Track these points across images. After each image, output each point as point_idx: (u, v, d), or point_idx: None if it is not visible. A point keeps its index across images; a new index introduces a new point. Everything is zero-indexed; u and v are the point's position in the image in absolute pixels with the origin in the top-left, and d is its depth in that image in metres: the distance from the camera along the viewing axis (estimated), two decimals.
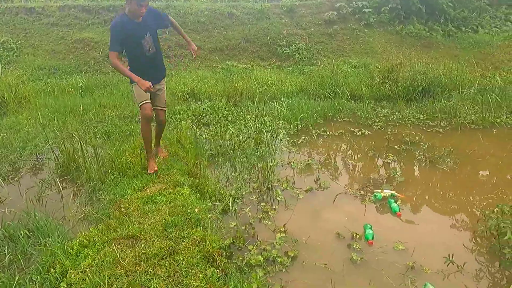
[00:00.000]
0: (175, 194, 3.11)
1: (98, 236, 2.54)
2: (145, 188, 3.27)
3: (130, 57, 3.31)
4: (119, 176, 3.52)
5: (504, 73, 7.52)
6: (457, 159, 4.26)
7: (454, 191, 3.63)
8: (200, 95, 6.54)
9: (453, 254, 2.47)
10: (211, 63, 8.40)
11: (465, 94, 6.07)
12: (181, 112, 5.66)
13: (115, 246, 2.38)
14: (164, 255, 2.32)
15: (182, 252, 2.38)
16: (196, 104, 6.08)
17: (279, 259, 2.51)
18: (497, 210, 2.69)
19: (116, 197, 3.12)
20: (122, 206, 2.91)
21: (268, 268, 2.45)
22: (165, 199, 3.01)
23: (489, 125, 5.44)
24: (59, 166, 3.84)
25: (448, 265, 2.45)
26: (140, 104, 3.28)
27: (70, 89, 6.74)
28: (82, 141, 3.89)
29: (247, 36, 9.18)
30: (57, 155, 3.89)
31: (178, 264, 2.26)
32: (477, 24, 10.39)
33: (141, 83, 3.03)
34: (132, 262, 2.24)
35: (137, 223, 2.64)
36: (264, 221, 3.01)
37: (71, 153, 3.76)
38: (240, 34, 9.24)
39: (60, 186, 3.46)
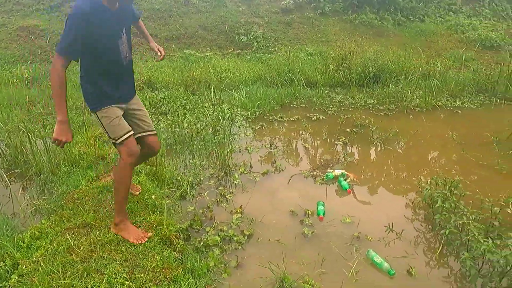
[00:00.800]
0: (131, 182, 3.10)
1: (50, 227, 2.49)
2: (100, 178, 3.23)
3: (98, 68, 2.15)
4: (72, 167, 3.43)
5: (446, 60, 8.11)
6: (402, 139, 4.60)
7: (398, 168, 3.93)
8: (157, 85, 6.43)
9: (392, 223, 2.72)
10: (168, 51, 8.23)
11: (410, 80, 6.49)
12: None
13: (68, 235, 2.35)
14: (121, 240, 2.34)
15: None
16: (153, 94, 5.98)
17: (235, 238, 2.62)
18: (431, 182, 2.98)
19: (69, 189, 3.05)
20: (75, 196, 2.85)
21: (225, 246, 2.56)
22: None
23: (431, 107, 5.89)
24: (5, 160, 3.66)
25: (388, 233, 2.69)
26: (122, 139, 2.19)
27: (15, 80, 6.33)
28: (30, 133, 3.72)
29: (205, 24, 9.09)
30: (2, 149, 3.70)
31: (135, 248, 2.29)
32: (424, 13, 11.04)
33: (61, 132, 1.99)
34: (87, 249, 2.24)
35: (91, 212, 2.62)
36: (221, 204, 3.10)
37: (18, 146, 3.59)
38: (197, 22, 9.12)
39: (8, 181, 3.30)
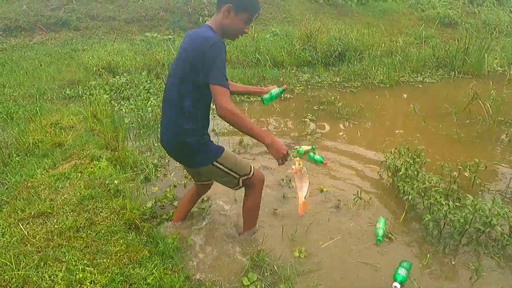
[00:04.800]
0: (91, 168, 2.95)
1: (2, 219, 2.31)
2: (57, 166, 3.04)
3: (203, 103, 1.92)
4: (25, 157, 3.20)
5: (407, 37, 8.32)
6: (367, 114, 4.69)
7: (363, 140, 4.00)
8: (117, 69, 6.13)
9: (361, 191, 2.77)
10: (128, 35, 7.87)
11: (374, 56, 6.61)
12: (97, 88, 5.27)
13: (22, 226, 2.20)
14: (80, 227, 2.22)
15: (101, 222, 2.29)
16: (114, 79, 5.70)
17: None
18: (394, 152, 3.05)
19: (23, 178, 2.85)
20: (30, 185, 2.67)
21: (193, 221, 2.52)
22: (80, 175, 2.84)
23: (395, 83, 6.06)
24: None
25: (357, 201, 2.75)
26: (251, 173, 2.10)
27: None
28: None
29: (166, 5, 8.73)
30: None
31: (96, 234, 2.18)
32: None
33: (279, 146, 1.82)
34: (43, 238, 2.10)
35: (48, 201, 2.46)
36: (187, 181, 3.03)
37: None
38: (158, 3, 8.75)
39: None
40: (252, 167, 2.11)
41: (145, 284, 1.85)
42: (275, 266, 2.11)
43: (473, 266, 2.16)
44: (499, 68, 7.08)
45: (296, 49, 6.92)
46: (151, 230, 2.35)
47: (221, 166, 2.00)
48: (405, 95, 5.65)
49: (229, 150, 2.11)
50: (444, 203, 2.41)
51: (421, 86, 6.03)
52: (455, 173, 2.76)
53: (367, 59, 6.63)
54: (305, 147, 3.64)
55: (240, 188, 2.14)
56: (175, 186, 2.98)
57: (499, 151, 3.75)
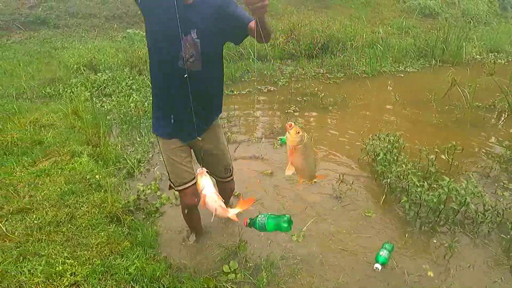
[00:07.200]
0: (72, 164, 2.93)
1: None
2: (37, 163, 3.00)
3: (153, 70, 1.76)
4: (4, 155, 3.15)
5: (389, 28, 8.41)
6: (349, 103, 4.75)
7: (344, 129, 4.04)
8: (99, 66, 6.05)
9: (343, 175, 2.82)
10: (109, 32, 7.75)
11: (356, 47, 6.67)
12: (78, 85, 5.19)
13: (1, 223, 2.17)
14: (61, 222, 2.21)
15: (82, 216, 2.29)
16: (96, 76, 5.63)
17: None
18: (373, 138, 3.11)
19: (1, 176, 2.81)
20: (8, 183, 2.63)
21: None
22: (60, 171, 2.81)
23: (377, 73, 6.13)
24: None
25: (339, 184, 2.79)
26: (179, 188, 1.90)
27: None
28: None
29: None
30: None
31: (77, 228, 2.17)
32: None
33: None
34: (22, 233, 2.08)
35: (27, 197, 2.44)
36: None
37: None
38: None
39: None
40: (186, 185, 1.86)
41: (127, 274, 1.86)
42: (259, 256, 2.14)
43: (447, 244, 2.22)
44: (478, 56, 7.23)
45: (279, 42, 6.94)
46: (133, 223, 2.35)
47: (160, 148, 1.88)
48: (386, 84, 5.74)
49: (178, 152, 1.83)
50: (419, 185, 2.47)
51: (402, 75, 6.12)
52: (432, 156, 2.82)
53: (350, 50, 6.70)
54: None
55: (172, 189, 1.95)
56: (160, 179, 2.98)
57: (475, 135, 3.85)
